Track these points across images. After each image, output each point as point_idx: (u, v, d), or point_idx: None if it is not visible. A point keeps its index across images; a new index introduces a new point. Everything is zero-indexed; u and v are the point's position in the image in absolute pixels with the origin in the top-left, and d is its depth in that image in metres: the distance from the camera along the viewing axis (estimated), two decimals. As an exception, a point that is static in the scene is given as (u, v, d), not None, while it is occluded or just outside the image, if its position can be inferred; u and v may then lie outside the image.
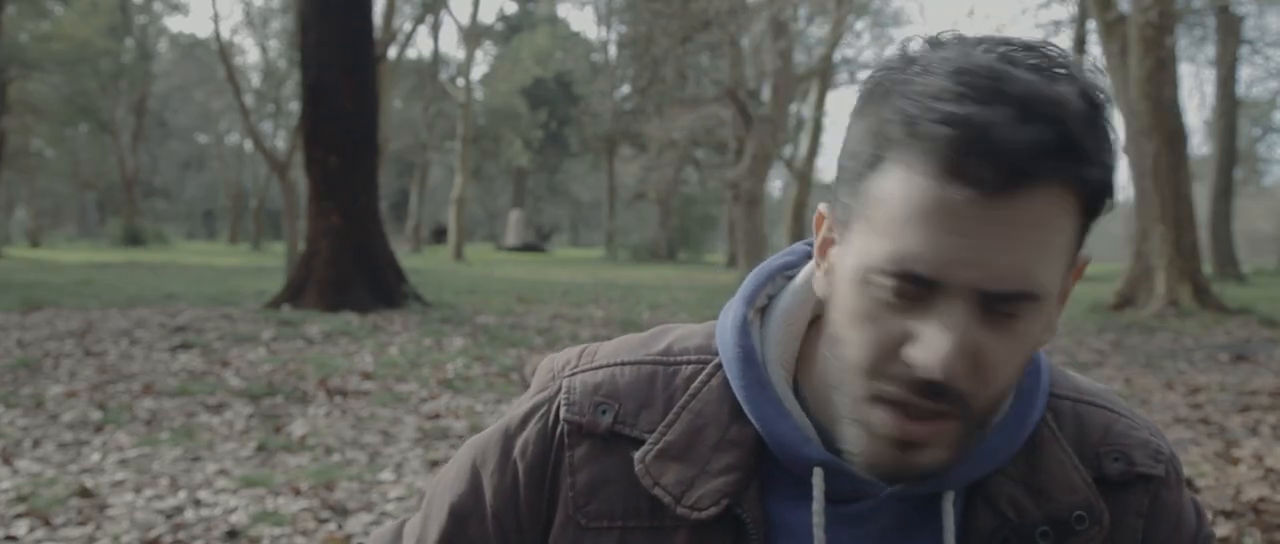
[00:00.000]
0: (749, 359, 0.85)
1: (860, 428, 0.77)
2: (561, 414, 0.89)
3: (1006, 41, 0.72)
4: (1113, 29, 13.67)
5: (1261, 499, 3.92)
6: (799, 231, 20.42)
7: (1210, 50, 29.55)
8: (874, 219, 0.72)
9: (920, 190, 0.69)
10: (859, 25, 35.36)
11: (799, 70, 23.16)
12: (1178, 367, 7.87)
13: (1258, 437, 5.22)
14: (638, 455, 0.85)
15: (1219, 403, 6.22)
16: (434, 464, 4.53)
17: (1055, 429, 0.86)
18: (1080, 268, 0.79)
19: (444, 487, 0.95)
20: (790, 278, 0.89)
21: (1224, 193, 26.72)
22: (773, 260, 0.91)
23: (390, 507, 3.90)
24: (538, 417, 0.90)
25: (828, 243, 0.80)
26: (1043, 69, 0.69)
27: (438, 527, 0.93)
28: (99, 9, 32.69)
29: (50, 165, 40.91)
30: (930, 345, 0.71)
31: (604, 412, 0.87)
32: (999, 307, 0.71)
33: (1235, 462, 4.60)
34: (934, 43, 0.74)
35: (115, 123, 38.26)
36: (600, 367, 0.91)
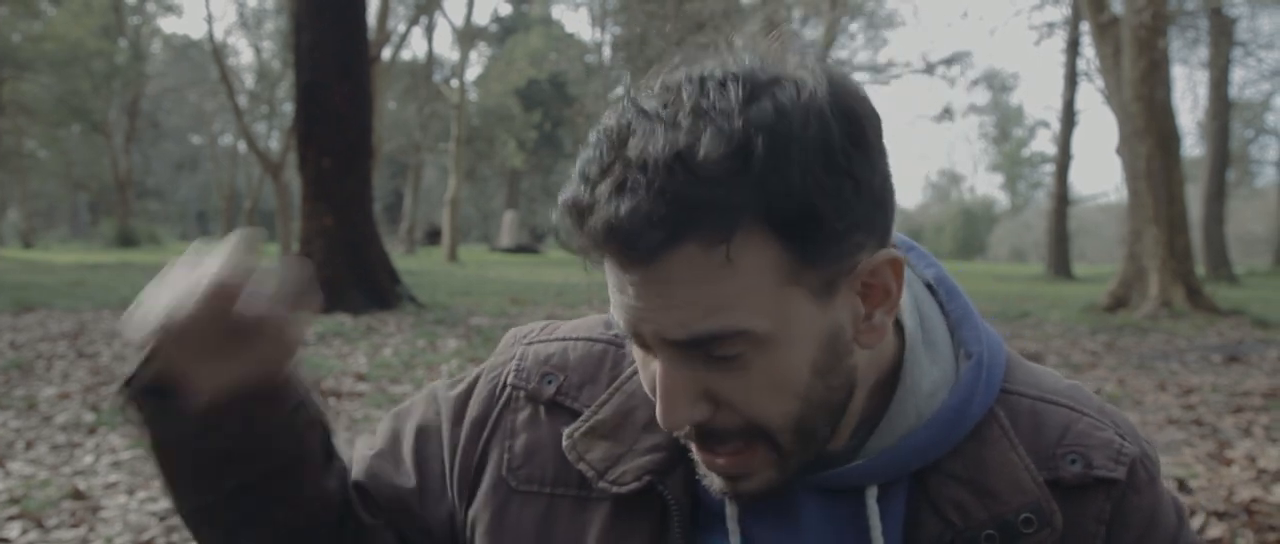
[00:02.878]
0: None
1: (693, 450, 0.81)
2: (509, 379, 0.93)
3: (691, 73, 0.71)
4: (1106, 31, 13.72)
5: (1254, 500, 3.93)
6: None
7: (1203, 52, 29.64)
8: None
9: (593, 257, 0.73)
10: (853, 27, 35.42)
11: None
12: (1170, 368, 7.89)
13: (1250, 438, 5.23)
14: (567, 431, 0.88)
15: (1212, 404, 6.23)
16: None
17: (1007, 427, 0.84)
18: (881, 268, 0.75)
19: (405, 413, 1.01)
20: None
21: (1217, 194, 26.80)
22: None
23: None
24: (489, 377, 0.95)
25: None
26: (690, 109, 0.68)
27: (407, 439, 0.98)
28: (92, 9, 32.59)
29: (43, 166, 40.80)
30: (657, 399, 0.76)
31: (549, 381, 0.91)
32: (707, 351, 0.72)
33: (1228, 463, 4.61)
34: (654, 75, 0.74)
35: (108, 123, 38.15)
36: (556, 340, 0.95)
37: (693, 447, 0.80)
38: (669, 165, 0.66)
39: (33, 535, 3.49)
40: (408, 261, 24.03)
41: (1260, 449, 4.88)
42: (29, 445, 4.77)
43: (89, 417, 5.35)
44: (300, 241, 11.06)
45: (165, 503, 3.88)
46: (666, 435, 0.84)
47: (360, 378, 6.65)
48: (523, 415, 0.91)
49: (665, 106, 0.69)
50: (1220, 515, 3.74)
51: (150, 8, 42.50)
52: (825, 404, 0.77)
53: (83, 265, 21.26)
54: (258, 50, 40.35)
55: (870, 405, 0.83)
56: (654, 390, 0.77)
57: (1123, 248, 14.21)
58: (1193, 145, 41.44)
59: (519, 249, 38.14)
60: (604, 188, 0.68)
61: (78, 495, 3.91)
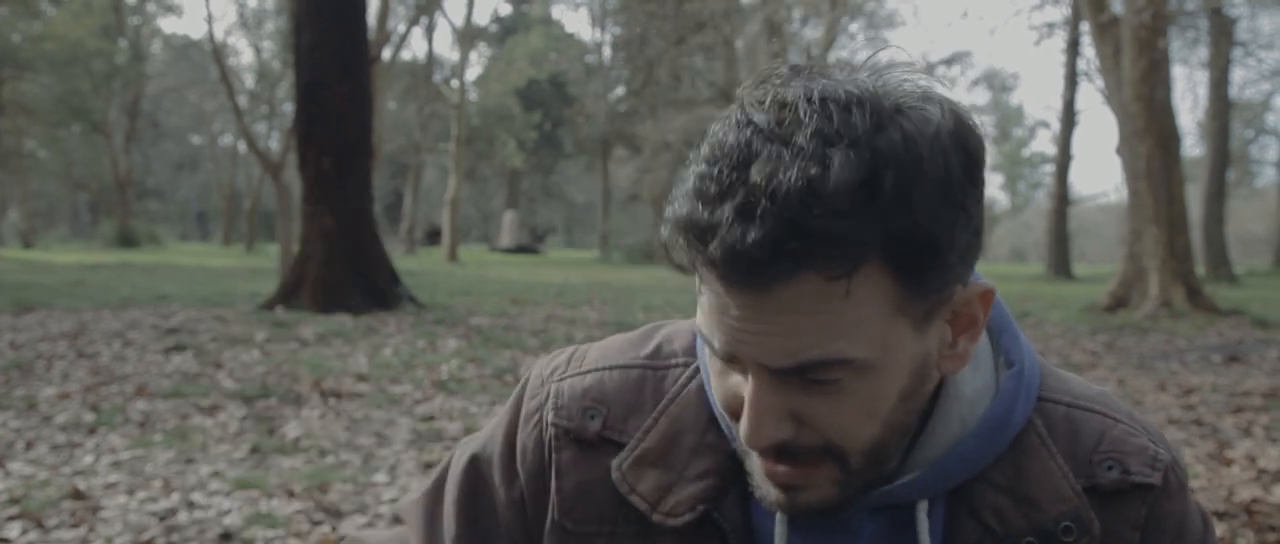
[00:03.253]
0: None
1: (754, 473, 0.80)
2: (549, 419, 0.89)
3: (810, 92, 0.69)
4: (1106, 31, 13.72)
5: (1254, 500, 3.93)
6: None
7: (1203, 52, 29.64)
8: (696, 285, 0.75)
9: (702, 275, 0.72)
10: (853, 27, 35.42)
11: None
12: (1170, 368, 7.89)
13: (1250, 438, 5.23)
14: (614, 463, 0.85)
15: (1212, 404, 6.23)
16: (428, 465, 4.53)
17: (1045, 435, 0.84)
18: (972, 300, 0.77)
19: (456, 473, 0.97)
20: None
21: (1217, 194, 26.81)
22: None
23: (384, 508, 3.89)
24: (534, 423, 0.91)
25: None
26: (813, 133, 0.66)
27: (457, 512, 0.95)
28: (92, 9, 32.58)
29: (43, 166, 40.79)
30: (746, 418, 0.74)
31: (593, 417, 0.88)
32: (806, 376, 0.72)
33: (1228, 463, 4.61)
34: (757, 85, 0.72)
35: (108, 124, 38.15)
36: (589, 371, 0.91)
37: (754, 458, 0.79)
38: (800, 196, 0.65)
39: (33, 535, 3.49)
40: (408, 262, 24.04)
41: (1260, 449, 4.88)
42: (29, 445, 4.77)
43: (89, 417, 5.35)
44: (300, 242, 11.06)
45: (165, 503, 3.88)
46: (717, 460, 0.84)
47: (360, 378, 6.65)
48: (567, 455, 0.88)
49: (784, 126, 0.68)
50: (1220, 515, 3.74)
51: (150, 8, 42.54)
52: (901, 427, 0.78)
53: (83, 265, 21.26)
54: (258, 50, 40.36)
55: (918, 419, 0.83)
56: (729, 405, 0.78)
57: (1123, 248, 14.21)
58: (1193, 145, 41.46)
59: (519, 249, 38.16)
60: (727, 210, 0.66)
61: (78, 495, 3.91)
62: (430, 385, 6.46)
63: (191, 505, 3.86)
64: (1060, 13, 26.62)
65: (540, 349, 8.27)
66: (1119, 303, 13.35)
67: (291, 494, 4.00)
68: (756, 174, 0.66)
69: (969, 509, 0.82)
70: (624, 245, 38.83)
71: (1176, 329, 10.86)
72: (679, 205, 0.70)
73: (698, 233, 0.68)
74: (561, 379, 0.91)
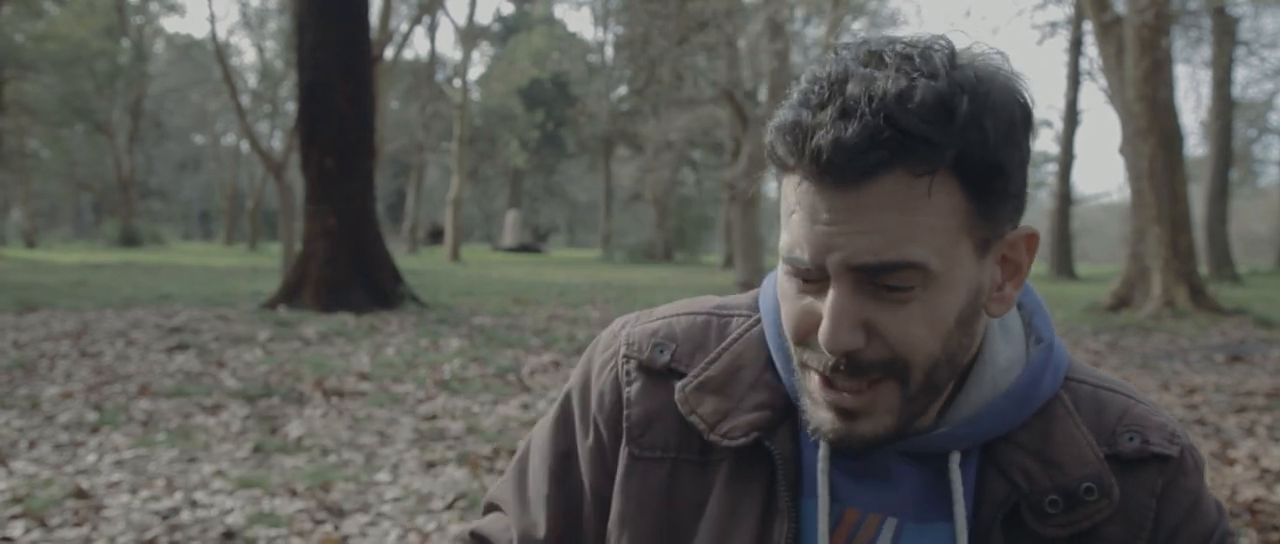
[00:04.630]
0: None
1: (806, 397, 0.86)
2: (622, 354, 0.97)
3: (888, 39, 0.79)
4: (1109, 30, 13.70)
5: (1257, 499, 3.93)
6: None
7: (1206, 51, 29.60)
8: (783, 212, 0.82)
9: (791, 188, 0.80)
10: (856, 26, 35.39)
11: (796, 71, 23.16)
12: (1173, 367, 7.88)
13: (1253, 437, 5.23)
14: (679, 385, 0.93)
15: (1215, 403, 6.22)
16: (430, 465, 4.54)
17: (1070, 407, 0.91)
18: (1019, 242, 0.86)
19: (538, 442, 1.05)
20: None
21: (1220, 194, 26.77)
22: None
23: (386, 507, 3.90)
24: (609, 368, 0.99)
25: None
26: (897, 67, 0.76)
27: (544, 470, 1.02)
28: (95, 9, 32.61)
29: (46, 166, 40.80)
30: (825, 324, 0.80)
31: (661, 351, 0.96)
32: (881, 281, 0.79)
33: (1231, 462, 4.61)
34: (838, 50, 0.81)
35: (111, 123, 38.18)
36: (659, 318, 1.00)
37: (816, 382, 0.84)
38: (893, 100, 0.74)
39: (36, 535, 3.49)
40: (410, 261, 24.04)
41: (1263, 449, 4.88)
42: (32, 445, 4.77)
43: (92, 416, 5.36)
44: (303, 241, 11.07)
45: (168, 502, 3.88)
46: (771, 393, 0.91)
47: (363, 377, 6.65)
48: (638, 385, 0.95)
49: (873, 60, 0.77)
50: (1223, 515, 3.74)
51: (153, 8, 42.58)
52: (953, 358, 0.85)
53: (85, 265, 21.29)
54: (260, 50, 40.34)
55: (954, 383, 0.90)
56: (802, 326, 0.83)
57: (1126, 247, 14.19)
58: (1196, 145, 41.44)
59: (521, 248, 38.16)
60: (829, 113, 0.75)
61: (81, 495, 3.91)
62: (433, 385, 6.46)
63: (194, 504, 3.87)
64: (1063, 12, 26.60)
65: (542, 348, 8.28)
66: (1122, 302, 13.33)
67: (294, 493, 4.01)
68: (852, 88, 0.75)
69: (997, 467, 0.88)
70: (626, 245, 38.85)
71: (1179, 329, 10.85)
72: (784, 114, 0.78)
73: (801, 132, 0.76)
74: (634, 327, 1.00)
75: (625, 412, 0.95)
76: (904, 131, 0.74)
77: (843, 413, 0.83)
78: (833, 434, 0.84)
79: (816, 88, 0.77)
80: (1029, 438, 0.88)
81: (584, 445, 0.99)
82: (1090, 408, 0.91)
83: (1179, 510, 0.89)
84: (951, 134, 0.75)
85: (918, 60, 0.76)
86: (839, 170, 0.75)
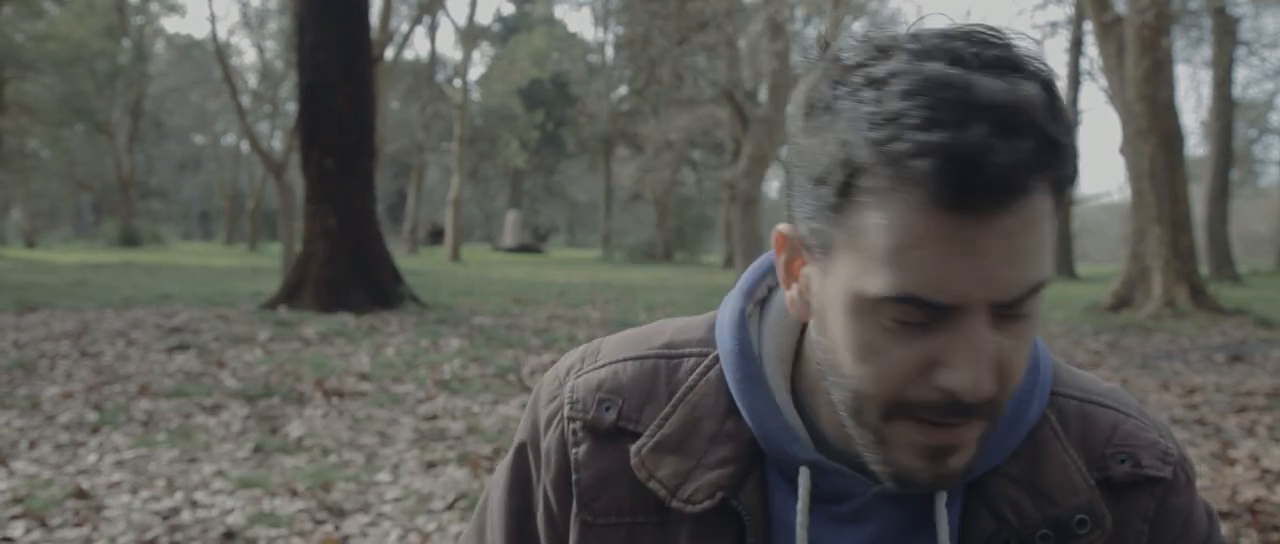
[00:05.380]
0: (744, 353, 0.84)
1: (882, 448, 0.76)
2: (566, 413, 0.89)
3: (946, 36, 0.69)
4: (1109, 30, 13.69)
5: (1258, 500, 3.92)
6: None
7: (1207, 51, 29.59)
8: (865, 249, 0.69)
9: (917, 221, 0.67)
10: (856, 26, 35.41)
11: (796, 71, 23.17)
12: (1174, 367, 7.88)
13: (1254, 437, 5.22)
14: (634, 449, 0.85)
15: (1215, 404, 6.22)
16: (431, 465, 4.53)
17: (1058, 429, 0.84)
18: None
19: (496, 498, 0.97)
20: None
21: (1220, 194, 26.77)
22: (771, 254, 0.88)
23: (387, 508, 3.90)
24: (555, 424, 0.90)
25: (796, 264, 0.78)
26: (997, 67, 0.67)
27: (501, 531, 0.96)
28: (95, 10, 32.62)
29: (46, 166, 40.82)
30: (965, 370, 0.70)
31: (608, 408, 0.87)
32: (1012, 310, 0.70)
33: (1231, 462, 4.61)
34: (872, 46, 0.71)
35: (111, 123, 38.19)
36: (603, 365, 0.90)
37: (911, 429, 0.74)
38: (1042, 109, 0.66)
39: (36, 535, 3.49)
40: (410, 261, 24.04)
41: (1264, 449, 4.88)
42: (32, 445, 4.77)
43: (92, 416, 5.36)
44: (303, 242, 11.07)
45: (168, 502, 3.88)
46: (735, 448, 0.83)
47: (363, 377, 6.65)
48: (584, 448, 0.87)
49: (965, 61, 0.67)
50: (1224, 515, 3.74)
51: (153, 8, 42.60)
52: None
53: (86, 265, 21.29)
54: (261, 50, 40.36)
55: None
56: (908, 371, 0.72)
57: (1126, 247, 14.18)
58: (1196, 145, 41.38)
59: (522, 249, 38.17)
60: (979, 131, 0.64)
61: (81, 495, 3.91)
62: (433, 385, 6.46)
63: (195, 504, 3.87)
64: (1063, 12, 26.62)
65: (542, 348, 8.28)
66: (1122, 302, 13.33)
67: (294, 493, 4.01)
68: (983, 96, 0.65)
69: (985, 501, 0.81)
70: (626, 245, 38.85)
71: (1180, 329, 10.85)
72: (898, 132, 0.65)
73: (950, 159, 0.64)
74: (577, 376, 0.91)
75: (575, 475, 0.87)
76: (1055, 143, 0.66)
77: (938, 453, 0.74)
78: (923, 477, 0.76)
79: (928, 99, 0.65)
80: (1016, 468, 0.82)
81: (538, 506, 0.92)
82: (1078, 428, 0.85)
83: (1172, 529, 0.85)
84: (1070, 130, 0.68)
85: (1010, 52, 0.68)
86: (1000, 194, 0.65)
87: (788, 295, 0.79)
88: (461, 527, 3.64)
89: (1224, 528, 3.58)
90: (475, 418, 5.56)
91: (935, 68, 0.66)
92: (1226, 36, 26.81)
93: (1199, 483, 3.63)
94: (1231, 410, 5.99)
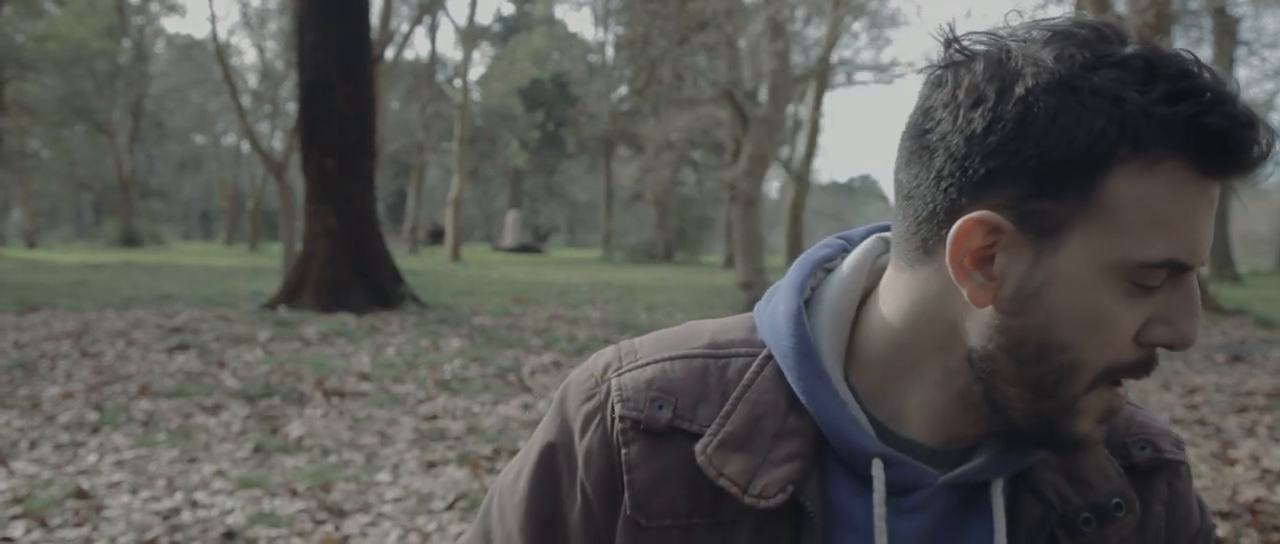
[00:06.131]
0: (805, 350, 0.84)
1: (1069, 418, 0.79)
2: (617, 412, 0.86)
3: (1110, 30, 0.75)
4: (1109, 30, 13.70)
5: (1258, 500, 3.92)
6: (796, 232, 20.37)
7: (1207, 51, 29.58)
8: (1123, 220, 0.73)
9: (1187, 189, 0.73)
10: (856, 26, 35.39)
11: (796, 71, 23.17)
12: (1174, 367, 7.88)
13: (1254, 437, 5.22)
14: (699, 447, 0.83)
15: (1215, 404, 6.22)
16: (431, 465, 4.54)
17: None
18: None
19: (511, 505, 0.92)
20: (829, 271, 0.89)
21: (1221, 194, 26.72)
22: (812, 252, 0.90)
23: (387, 508, 3.90)
24: (595, 423, 0.87)
25: (985, 252, 0.77)
26: (1188, 59, 0.73)
27: (521, 539, 0.91)
28: (95, 10, 32.62)
29: (46, 166, 40.83)
30: (1191, 322, 0.76)
31: (661, 407, 0.86)
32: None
33: (1231, 462, 4.61)
34: (1090, 33, 0.74)
35: (112, 124, 38.20)
36: (648, 363, 0.89)
37: (1110, 394, 0.79)
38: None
39: (36, 535, 3.49)
40: (411, 261, 24.04)
41: (1264, 449, 4.88)
42: (32, 445, 4.78)
43: (92, 416, 5.36)
44: (304, 242, 11.08)
45: (169, 502, 3.88)
46: (800, 443, 0.83)
47: (363, 377, 6.65)
48: (636, 448, 0.85)
49: (1157, 51, 0.74)
50: (1224, 515, 3.74)
51: (154, 8, 42.60)
52: None
53: (86, 265, 21.29)
54: (261, 50, 40.34)
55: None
56: (1129, 335, 0.76)
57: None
58: (1196, 145, 41.26)
59: (522, 249, 38.17)
60: (1234, 111, 0.71)
61: (81, 495, 3.91)
62: (433, 385, 6.46)
63: (195, 504, 3.87)
64: (1063, 12, 26.56)
65: (543, 349, 8.27)
66: (1122, 302, 13.33)
67: (294, 493, 4.01)
68: (1218, 83, 0.72)
69: (1031, 489, 0.84)
70: (627, 245, 38.85)
71: (1180, 329, 10.84)
72: (1166, 109, 0.71)
73: (1223, 130, 0.71)
74: (619, 375, 0.88)
75: (627, 476, 0.85)
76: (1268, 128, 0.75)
77: (1110, 414, 0.80)
78: (1094, 439, 0.81)
79: (1186, 83, 0.71)
80: (1053, 458, 0.85)
81: (572, 511, 0.88)
82: None
83: (1181, 514, 0.89)
84: None
85: (1172, 49, 0.75)
86: (1251, 168, 0.73)
87: (967, 286, 0.78)
88: (462, 527, 3.64)
89: (1224, 528, 3.58)
90: (475, 418, 5.56)
91: (1168, 55, 0.73)
92: (1226, 36, 26.82)
93: (1199, 483, 3.63)
94: (1231, 410, 5.99)
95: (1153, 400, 6.34)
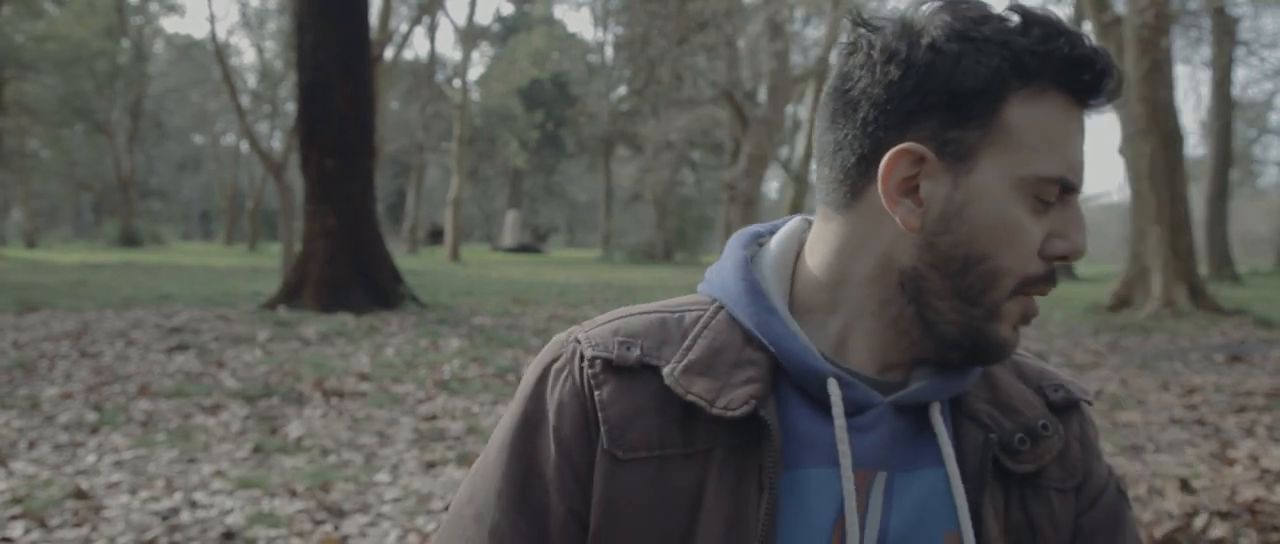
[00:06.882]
0: (756, 290, 0.93)
1: (993, 323, 0.90)
2: (587, 356, 0.92)
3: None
4: (1109, 30, 13.69)
5: (1257, 500, 3.92)
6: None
7: (1206, 51, 29.60)
8: (1021, 142, 0.85)
9: (1063, 111, 0.86)
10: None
11: (795, 72, 23.17)
12: (1173, 367, 7.88)
13: (1253, 437, 5.22)
14: (667, 370, 0.90)
15: (1214, 404, 6.22)
16: (430, 465, 4.53)
17: (1003, 369, 0.99)
18: None
19: (488, 473, 0.95)
20: (761, 244, 0.99)
21: (1220, 194, 26.76)
22: (748, 229, 1.01)
23: (386, 508, 3.90)
24: (564, 376, 0.93)
25: (911, 182, 0.88)
26: (1051, 11, 0.87)
27: (496, 508, 0.93)
28: (95, 10, 32.61)
29: (46, 166, 40.83)
30: (1080, 236, 0.89)
31: (629, 347, 0.93)
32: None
33: (1231, 462, 4.61)
34: (950, 5, 0.87)
35: (111, 124, 38.19)
36: (610, 321, 0.97)
37: (1024, 303, 0.90)
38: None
39: (35, 535, 3.49)
40: (410, 261, 24.04)
41: (1263, 449, 4.88)
42: (32, 445, 4.77)
43: (92, 416, 5.36)
44: (303, 241, 11.07)
45: (168, 502, 3.88)
46: (757, 371, 0.90)
47: (362, 377, 6.65)
48: (609, 387, 0.91)
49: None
50: (1223, 515, 3.74)
51: (153, 8, 42.58)
52: None
53: (86, 265, 21.28)
54: (260, 50, 40.36)
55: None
56: (1032, 249, 0.88)
57: (1126, 248, 14.19)
58: (1196, 145, 41.44)
59: (521, 249, 38.16)
60: (1096, 50, 0.85)
61: (80, 495, 3.91)
62: (433, 385, 6.46)
63: (194, 505, 3.87)
64: (1063, 13, 26.55)
65: (542, 348, 8.28)
66: (1122, 303, 13.33)
67: (294, 493, 4.01)
68: (1077, 31, 0.85)
69: (968, 415, 0.94)
70: (626, 245, 38.82)
71: (1179, 329, 10.85)
72: (1046, 47, 0.84)
73: (1089, 61, 0.85)
74: (586, 332, 0.96)
75: (601, 414, 0.90)
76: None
77: (1025, 321, 0.92)
78: (1013, 344, 0.91)
79: (1055, 26, 0.85)
80: (981, 391, 0.95)
81: (549, 466, 0.92)
82: (1012, 371, 1.00)
83: (1091, 452, 0.99)
84: None
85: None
86: (1113, 97, 0.87)
87: (898, 212, 0.88)
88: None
89: (1223, 528, 3.58)
90: (475, 418, 5.56)
91: (1035, 8, 0.85)
92: (1226, 36, 26.82)
93: (1198, 483, 3.62)
94: (1231, 410, 5.99)
95: (1152, 401, 6.35)
